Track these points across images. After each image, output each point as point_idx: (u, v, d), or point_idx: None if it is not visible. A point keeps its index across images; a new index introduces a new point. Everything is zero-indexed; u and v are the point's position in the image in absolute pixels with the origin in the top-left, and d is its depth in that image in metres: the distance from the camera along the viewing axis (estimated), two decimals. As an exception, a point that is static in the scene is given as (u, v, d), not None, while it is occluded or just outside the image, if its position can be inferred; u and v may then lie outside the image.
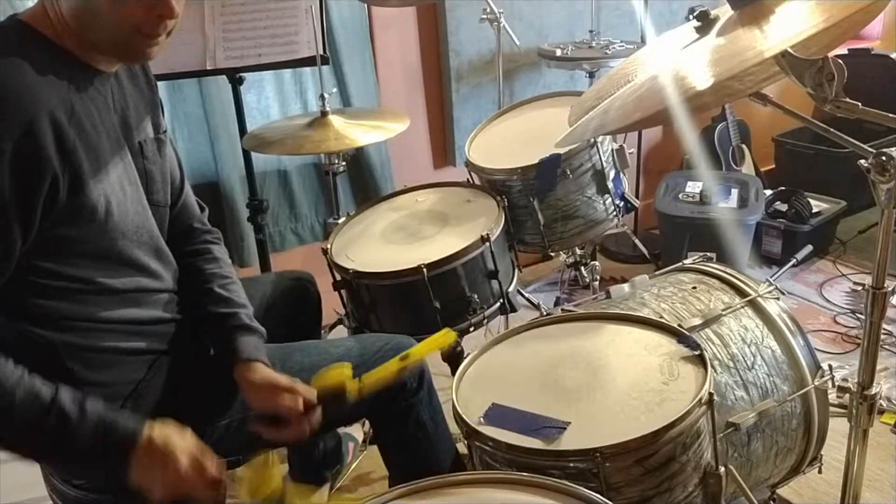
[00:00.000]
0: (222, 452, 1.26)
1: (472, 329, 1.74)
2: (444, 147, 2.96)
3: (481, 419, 1.23)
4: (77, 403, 1.08)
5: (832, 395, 1.47)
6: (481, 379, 1.36)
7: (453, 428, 1.37)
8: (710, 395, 1.18)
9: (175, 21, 1.13)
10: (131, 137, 1.22)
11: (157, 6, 1.09)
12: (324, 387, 1.25)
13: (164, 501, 1.10)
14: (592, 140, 1.91)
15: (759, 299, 1.54)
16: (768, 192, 3.11)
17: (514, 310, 1.81)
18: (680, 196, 2.96)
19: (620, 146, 2.03)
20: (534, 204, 1.92)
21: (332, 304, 1.98)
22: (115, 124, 1.18)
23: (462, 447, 1.47)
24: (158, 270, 1.28)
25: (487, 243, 1.70)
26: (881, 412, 2.09)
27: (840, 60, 0.96)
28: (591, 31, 2.91)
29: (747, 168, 3.38)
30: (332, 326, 2.23)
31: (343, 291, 1.82)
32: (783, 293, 1.60)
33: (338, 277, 1.78)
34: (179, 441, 1.11)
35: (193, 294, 1.34)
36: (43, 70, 1.06)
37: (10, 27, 1.11)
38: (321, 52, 2.02)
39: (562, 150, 1.87)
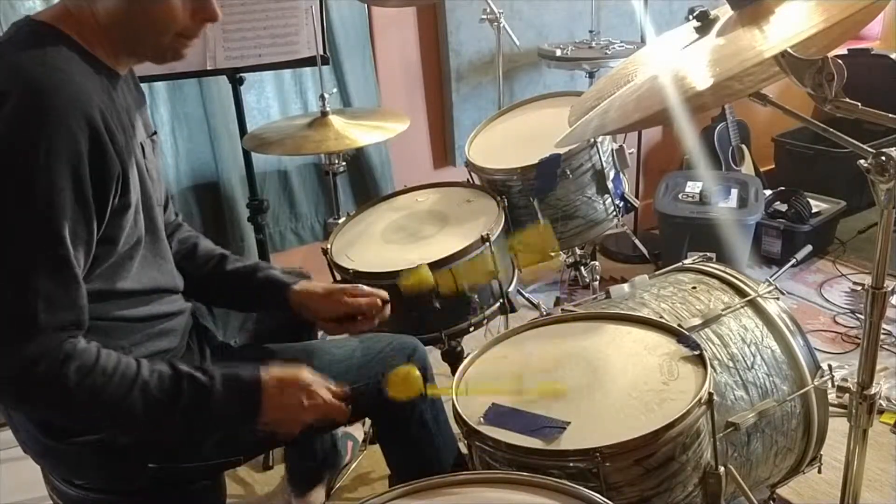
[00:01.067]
0: (221, 453, 1.27)
1: (472, 329, 1.74)
2: (444, 147, 2.96)
3: (481, 419, 1.23)
4: (197, 368, 1.12)
5: (832, 395, 1.47)
6: (481, 379, 1.36)
7: (454, 428, 1.37)
8: (710, 394, 1.18)
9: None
10: (136, 138, 1.22)
11: (205, 11, 1.12)
12: (408, 285, 1.42)
13: (305, 428, 1.19)
14: (592, 140, 1.91)
15: (759, 299, 1.54)
16: (768, 192, 3.11)
17: (514, 310, 1.81)
18: (680, 196, 2.96)
19: (620, 146, 2.03)
20: (534, 204, 1.92)
21: (332, 304, 1.99)
22: (129, 126, 1.19)
23: (462, 447, 1.47)
24: (166, 268, 1.29)
25: (487, 243, 1.70)
26: (881, 412, 2.09)
27: (840, 60, 0.96)
28: (591, 31, 2.91)
29: (747, 168, 3.39)
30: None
31: (343, 291, 1.82)
32: (783, 293, 1.60)
33: (338, 277, 1.77)
34: (300, 371, 1.19)
35: (200, 266, 1.40)
36: (82, 72, 1.07)
37: (39, 32, 1.09)
38: (321, 52, 2.02)
39: (562, 150, 1.87)
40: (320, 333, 1.66)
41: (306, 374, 1.20)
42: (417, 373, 1.30)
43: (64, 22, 1.10)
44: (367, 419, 2.04)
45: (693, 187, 2.97)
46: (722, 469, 1.23)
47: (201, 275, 1.41)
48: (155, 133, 1.33)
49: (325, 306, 1.39)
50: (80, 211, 1.03)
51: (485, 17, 2.54)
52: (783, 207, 3.05)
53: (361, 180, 2.76)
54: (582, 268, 2.39)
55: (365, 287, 1.40)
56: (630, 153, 2.05)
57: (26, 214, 1.00)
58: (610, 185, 1.98)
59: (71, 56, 1.07)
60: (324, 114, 2.00)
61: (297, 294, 1.39)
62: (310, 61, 2.04)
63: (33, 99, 1.00)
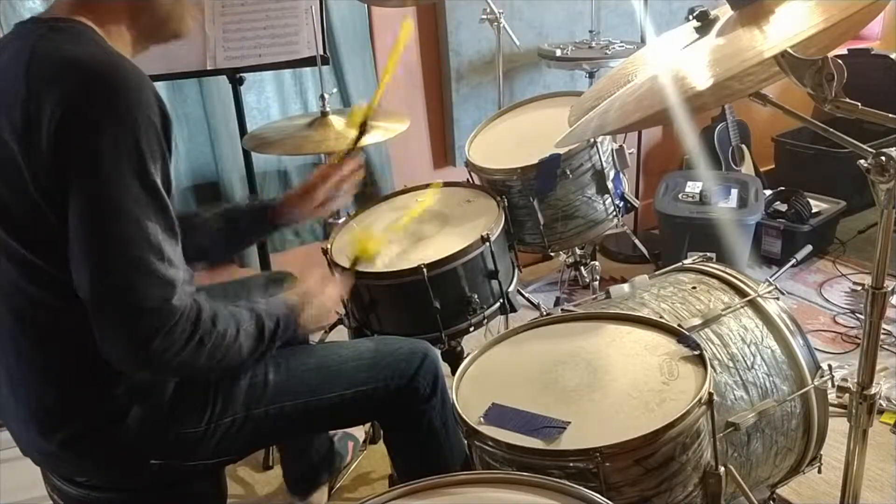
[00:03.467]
0: (223, 451, 1.27)
1: (472, 329, 1.75)
2: (444, 147, 2.96)
3: (481, 419, 1.23)
4: (245, 307, 1.21)
5: (832, 395, 1.47)
6: (481, 379, 1.36)
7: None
8: (710, 394, 1.18)
9: None
10: None
11: None
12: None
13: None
14: (592, 140, 1.91)
15: (759, 299, 1.54)
16: (768, 192, 3.11)
17: (514, 310, 1.81)
18: (680, 196, 2.96)
19: (620, 146, 2.03)
20: (534, 204, 1.92)
21: (332, 304, 1.99)
22: None
23: (462, 447, 1.47)
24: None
25: (487, 243, 1.70)
26: (881, 412, 2.09)
27: (840, 60, 0.96)
28: (591, 31, 2.91)
29: (747, 168, 3.39)
30: (332, 327, 2.23)
31: (343, 291, 1.82)
32: (783, 293, 1.60)
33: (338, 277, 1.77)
34: (310, 271, 1.38)
35: (201, 224, 1.51)
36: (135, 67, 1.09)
37: (57, 25, 1.09)
38: (321, 52, 2.02)
39: (562, 150, 1.87)
40: (318, 335, 1.67)
41: (313, 270, 1.39)
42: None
43: (80, 15, 1.10)
44: (372, 422, 2.04)
45: (693, 187, 2.97)
46: (722, 469, 1.24)
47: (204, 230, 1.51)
48: None
49: (301, 198, 1.61)
50: (165, 188, 1.07)
51: (485, 17, 2.54)
52: (783, 207, 3.05)
53: (361, 180, 2.75)
54: (582, 268, 2.40)
55: (331, 167, 1.64)
56: (630, 153, 2.05)
57: (131, 176, 1.02)
58: (610, 185, 1.98)
59: (106, 45, 1.09)
60: (324, 114, 2.01)
61: (277, 210, 1.59)
62: (310, 61, 2.04)
63: (100, 76, 1.02)
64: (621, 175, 2.04)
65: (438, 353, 1.52)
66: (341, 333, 2.01)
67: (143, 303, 1.02)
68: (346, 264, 1.67)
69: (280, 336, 1.23)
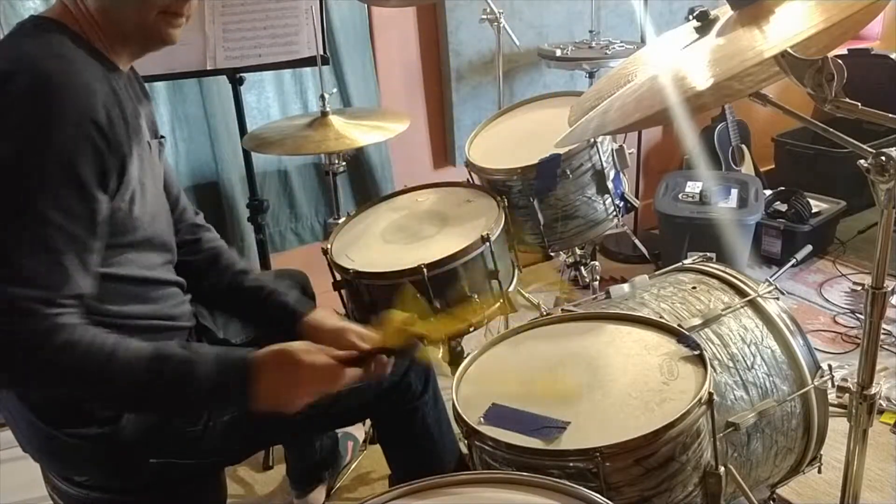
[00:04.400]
0: (222, 450, 1.27)
1: (472, 329, 1.74)
2: (444, 147, 2.96)
3: (481, 419, 1.23)
4: (185, 347, 1.10)
5: (832, 395, 1.47)
6: (481, 379, 1.36)
7: (454, 428, 1.37)
8: (710, 394, 1.18)
9: (197, 2, 1.17)
10: (141, 135, 1.23)
11: None
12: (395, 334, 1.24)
13: (309, 403, 1.12)
14: (592, 140, 1.91)
15: (759, 299, 1.54)
16: (768, 192, 3.11)
17: (514, 310, 1.81)
18: (680, 196, 2.96)
19: (620, 146, 2.02)
20: (534, 204, 1.92)
21: (332, 304, 1.98)
22: (133, 119, 1.19)
23: (462, 447, 1.47)
24: (168, 266, 1.30)
25: (487, 243, 1.70)
26: (881, 412, 2.09)
27: (840, 60, 0.96)
28: (591, 31, 2.91)
29: (747, 168, 3.39)
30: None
31: (343, 291, 1.82)
32: (783, 293, 1.60)
33: (338, 277, 1.77)
34: (294, 344, 1.12)
35: (221, 274, 1.41)
36: (84, 61, 1.09)
37: (42, 25, 1.11)
38: (321, 52, 2.02)
39: (562, 150, 1.87)
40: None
41: (298, 345, 1.13)
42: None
43: (65, 17, 1.12)
44: (366, 419, 2.05)
45: (693, 187, 2.97)
46: (722, 469, 1.24)
47: (219, 283, 1.41)
48: (163, 137, 1.34)
49: (332, 343, 1.26)
50: (73, 195, 1.03)
51: (485, 17, 2.54)
52: (783, 207, 3.05)
53: (361, 180, 2.76)
54: (582, 268, 2.40)
55: (368, 331, 1.30)
56: (630, 153, 2.05)
57: (12, 193, 1.00)
58: (610, 185, 1.98)
59: (74, 47, 1.09)
60: (324, 114, 2.00)
61: (306, 325, 1.35)
62: (310, 61, 2.04)
63: (36, 81, 1.02)
64: (621, 175, 2.04)
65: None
66: (341, 333, 2.01)
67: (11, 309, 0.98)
68: (348, 265, 1.67)
69: (203, 385, 1.07)
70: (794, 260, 2.74)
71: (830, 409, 1.53)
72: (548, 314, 1.54)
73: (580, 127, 1.22)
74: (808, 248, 2.83)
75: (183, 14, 1.16)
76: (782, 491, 1.73)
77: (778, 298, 1.56)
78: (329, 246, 1.82)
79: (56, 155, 1.01)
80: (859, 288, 2.85)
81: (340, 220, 1.99)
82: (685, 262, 1.75)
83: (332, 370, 1.13)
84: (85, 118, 1.03)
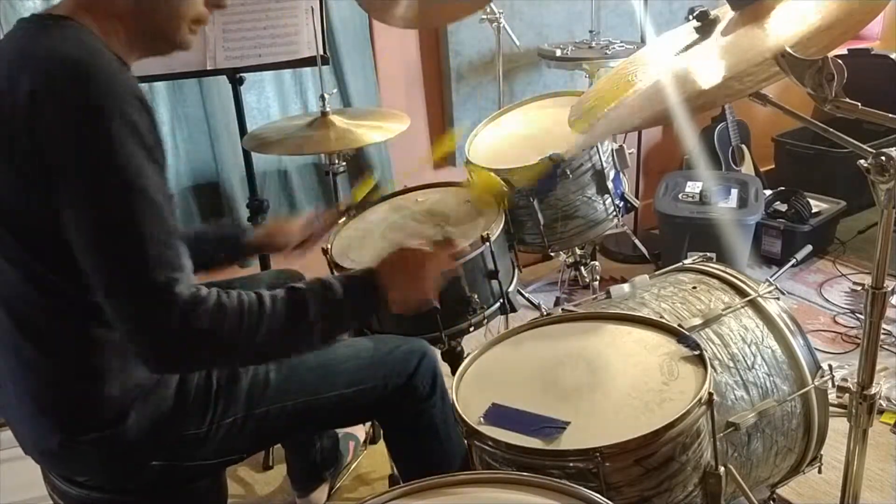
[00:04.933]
0: (225, 451, 1.27)
1: (472, 329, 1.74)
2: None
3: (481, 419, 1.23)
4: (314, 281, 1.17)
5: (832, 395, 1.47)
6: (481, 379, 1.36)
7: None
8: (710, 394, 1.18)
9: None
10: None
11: None
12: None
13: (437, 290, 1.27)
14: (592, 140, 1.91)
15: (759, 299, 1.54)
16: (768, 192, 3.11)
17: (514, 310, 1.81)
18: (680, 196, 2.96)
19: (620, 146, 2.02)
20: (534, 204, 1.92)
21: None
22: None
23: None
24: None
25: (487, 243, 1.69)
26: (881, 412, 2.09)
27: (840, 60, 0.96)
28: (591, 31, 2.91)
29: (747, 168, 3.39)
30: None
31: (343, 291, 1.82)
32: (783, 293, 1.60)
33: (338, 277, 1.77)
34: (402, 247, 1.27)
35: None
36: (110, 56, 1.08)
37: (55, 22, 1.09)
38: (321, 52, 2.02)
39: (562, 151, 1.87)
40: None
41: (409, 244, 1.28)
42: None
43: (79, 15, 1.10)
44: (371, 420, 2.05)
45: (693, 187, 2.97)
46: (722, 469, 1.23)
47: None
48: None
49: (275, 237, 1.64)
50: (157, 172, 1.04)
51: (485, 17, 2.54)
52: (783, 207, 3.05)
53: (361, 180, 2.75)
54: (582, 268, 2.39)
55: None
56: (630, 153, 2.05)
57: (110, 174, 1.00)
58: (610, 185, 1.98)
59: (92, 41, 1.08)
60: (324, 114, 2.00)
61: (253, 240, 1.63)
62: (310, 61, 2.04)
63: (79, 72, 1.01)
64: (621, 175, 2.03)
65: (437, 352, 1.52)
66: (341, 333, 2.01)
67: (154, 292, 1.01)
68: (348, 265, 1.67)
69: (346, 310, 1.16)
70: (794, 260, 2.75)
71: (830, 409, 1.52)
72: (548, 314, 1.54)
73: (595, 130, 1.22)
74: (808, 248, 2.83)
75: (205, 23, 1.18)
76: (782, 491, 1.73)
77: (778, 298, 1.56)
78: (329, 246, 1.82)
79: (134, 134, 1.02)
80: (859, 288, 2.85)
81: (340, 220, 1.99)
82: (685, 262, 1.75)
83: (436, 253, 1.28)
84: (135, 96, 1.04)
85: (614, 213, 2.02)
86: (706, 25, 1.17)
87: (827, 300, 2.80)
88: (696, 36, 1.17)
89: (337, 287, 1.16)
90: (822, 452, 1.60)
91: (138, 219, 1.01)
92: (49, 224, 1.03)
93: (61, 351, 1.13)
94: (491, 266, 1.73)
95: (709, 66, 1.04)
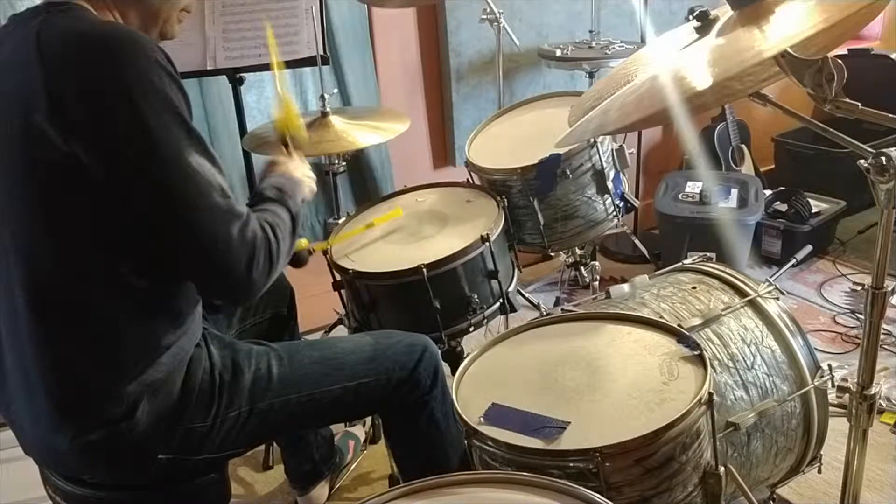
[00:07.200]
0: (229, 444, 1.28)
1: (472, 329, 1.75)
2: (444, 147, 2.96)
3: (481, 419, 1.23)
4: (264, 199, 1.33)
5: (832, 395, 1.47)
6: (481, 379, 1.36)
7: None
8: (710, 394, 1.18)
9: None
10: None
11: None
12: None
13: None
14: (592, 140, 1.91)
15: (759, 299, 1.54)
16: (768, 192, 3.11)
17: (514, 310, 1.81)
18: (680, 196, 2.96)
19: (620, 146, 2.03)
20: (534, 204, 1.92)
21: (332, 305, 1.99)
22: None
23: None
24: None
25: (487, 243, 1.70)
26: (881, 412, 2.09)
27: (840, 60, 0.96)
28: (591, 31, 2.91)
29: (747, 168, 3.39)
30: (332, 326, 2.23)
31: (343, 291, 1.82)
32: (783, 293, 1.60)
33: (338, 277, 1.78)
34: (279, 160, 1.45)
35: None
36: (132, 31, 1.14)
37: (62, 8, 1.12)
38: (321, 52, 2.02)
39: (562, 150, 1.87)
40: (319, 334, 1.67)
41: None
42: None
43: (80, 1, 1.13)
44: (372, 415, 2.05)
45: (693, 187, 2.97)
46: (722, 469, 1.24)
47: None
48: None
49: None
50: (203, 142, 1.13)
51: (485, 17, 2.54)
52: (783, 207, 3.05)
53: (361, 180, 2.76)
54: (582, 268, 2.39)
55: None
56: (630, 153, 2.05)
57: (176, 127, 1.07)
58: (610, 185, 1.98)
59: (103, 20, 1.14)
60: (324, 114, 2.00)
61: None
62: (310, 61, 2.04)
63: (110, 44, 1.05)
64: (621, 175, 2.04)
65: (437, 347, 1.52)
66: (341, 333, 2.01)
67: (227, 244, 1.12)
68: (349, 266, 1.67)
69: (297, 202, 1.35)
70: (794, 260, 2.74)
71: (830, 409, 1.53)
72: (548, 314, 1.54)
73: (580, 127, 1.22)
74: (808, 248, 2.82)
75: (191, 10, 1.24)
76: (782, 491, 1.73)
77: (778, 298, 1.56)
78: (329, 246, 1.82)
79: (176, 98, 1.09)
80: (859, 288, 2.84)
81: (340, 220, 1.99)
82: (685, 262, 1.75)
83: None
84: (169, 71, 1.09)
85: (614, 213, 2.02)
86: (706, 25, 1.17)
87: (827, 300, 2.80)
88: (696, 36, 1.17)
89: (274, 193, 1.34)
90: (821, 452, 1.60)
91: (207, 174, 1.11)
92: (88, 201, 1.07)
93: (77, 346, 1.13)
94: (491, 266, 1.73)
95: (708, 66, 1.04)
